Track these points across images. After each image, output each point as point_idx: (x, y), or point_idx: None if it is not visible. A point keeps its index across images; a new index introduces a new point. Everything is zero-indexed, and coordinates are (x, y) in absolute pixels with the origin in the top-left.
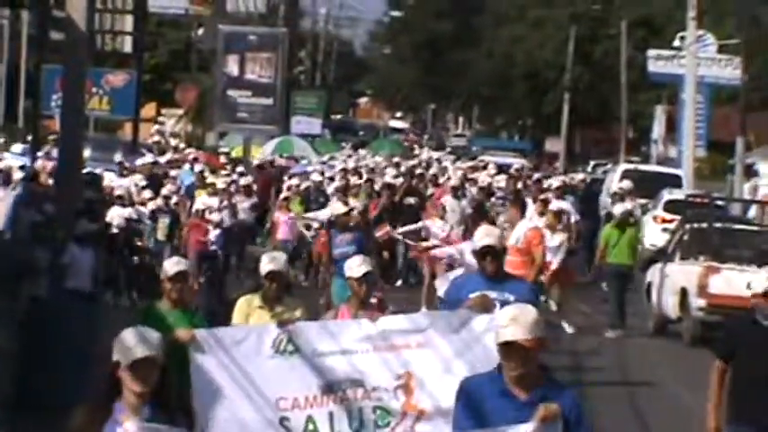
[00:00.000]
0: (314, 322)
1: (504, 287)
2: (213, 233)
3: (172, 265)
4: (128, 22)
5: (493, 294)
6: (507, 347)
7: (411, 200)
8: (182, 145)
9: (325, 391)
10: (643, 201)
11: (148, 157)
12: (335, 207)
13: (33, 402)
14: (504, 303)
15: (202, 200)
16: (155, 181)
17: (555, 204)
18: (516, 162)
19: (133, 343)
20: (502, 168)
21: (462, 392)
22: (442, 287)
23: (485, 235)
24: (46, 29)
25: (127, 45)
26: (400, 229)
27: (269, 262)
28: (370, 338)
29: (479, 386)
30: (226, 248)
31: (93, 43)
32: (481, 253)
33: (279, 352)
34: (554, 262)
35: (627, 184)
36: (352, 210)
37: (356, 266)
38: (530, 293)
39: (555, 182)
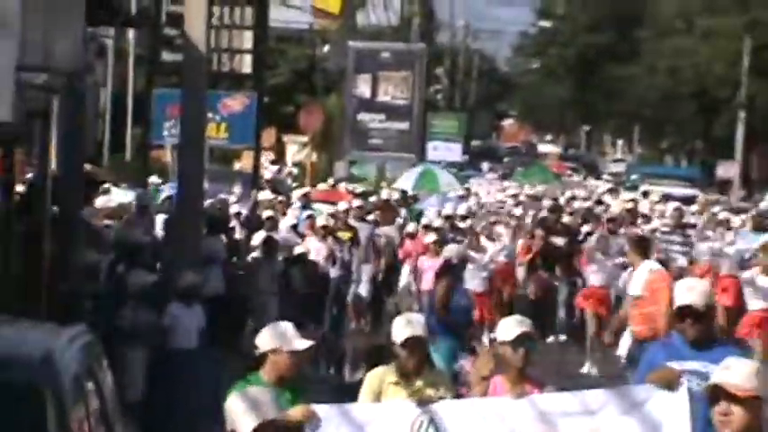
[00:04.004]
0: (461, 401)
1: (710, 356)
2: None
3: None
4: (247, 40)
5: (694, 365)
6: None
7: (558, 240)
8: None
9: None
10: None
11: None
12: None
13: None
14: (707, 378)
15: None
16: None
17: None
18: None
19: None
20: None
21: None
22: (624, 345)
23: (685, 290)
24: (157, 49)
25: (246, 65)
26: None
27: (405, 326)
28: (529, 422)
29: None
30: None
31: (210, 63)
32: (680, 314)
33: None
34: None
35: None
36: None
37: (510, 327)
38: None
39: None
